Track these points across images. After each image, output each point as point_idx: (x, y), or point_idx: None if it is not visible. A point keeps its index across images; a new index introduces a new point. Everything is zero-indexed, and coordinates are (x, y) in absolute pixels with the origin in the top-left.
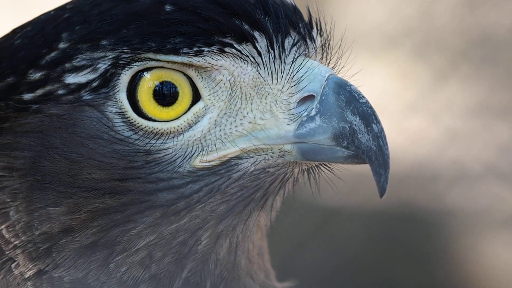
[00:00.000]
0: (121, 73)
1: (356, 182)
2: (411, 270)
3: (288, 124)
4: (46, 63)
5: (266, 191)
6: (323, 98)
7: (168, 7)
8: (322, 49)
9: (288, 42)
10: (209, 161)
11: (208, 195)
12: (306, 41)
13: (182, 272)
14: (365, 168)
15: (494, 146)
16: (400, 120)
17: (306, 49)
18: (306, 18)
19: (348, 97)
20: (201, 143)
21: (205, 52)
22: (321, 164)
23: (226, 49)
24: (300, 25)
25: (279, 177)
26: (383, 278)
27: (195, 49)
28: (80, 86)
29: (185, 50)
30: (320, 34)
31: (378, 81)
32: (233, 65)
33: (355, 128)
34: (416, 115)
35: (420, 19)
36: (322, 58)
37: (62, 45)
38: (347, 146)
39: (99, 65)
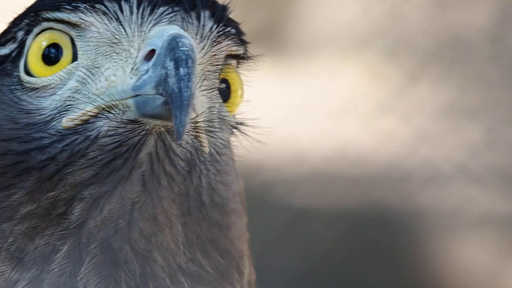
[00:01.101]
0: (27, 38)
1: (326, 183)
2: (381, 271)
3: (130, 79)
4: None
5: (125, 158)
6: (160, 51)
7: None
8: (203, 28)
9: (161, 9)
10: (73, 120)
11: (71, 157)
12: (181, 14)
13: (63, 246)
14: (335, 169)
15: (465, 147)
16: (370, 120)
17: (179, 20)
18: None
19: (173, 46)
20: (70, 102)
21: (80, 8)
22: (167, 130)
23: (97, 6)
24: (180, 1)
25: (132, 140)
26: (353, 279)
27: (73, 4)
28: (5, 57)
29: (65, 6)
30: (210, 16)
31: (349, 82)
32: (99, 22)
33: (168, 73)
34: (387, 115)
35: (391, 20)
36: (196, 34)
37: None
38: (161, 93)
39: (18, 34)
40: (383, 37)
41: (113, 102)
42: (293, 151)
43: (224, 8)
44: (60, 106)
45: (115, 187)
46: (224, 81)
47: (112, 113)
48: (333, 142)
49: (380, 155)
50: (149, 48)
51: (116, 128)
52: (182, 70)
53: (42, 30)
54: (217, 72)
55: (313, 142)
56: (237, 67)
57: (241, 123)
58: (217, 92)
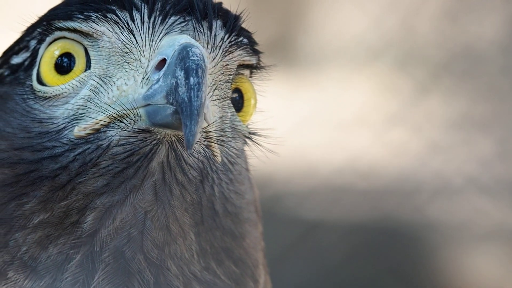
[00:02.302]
0: (40, 47)
1: (337, 195)
2: (391, 283)
3: (141, 88)
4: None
5: (137, 167)
6: (171, 60)
7: None
8: (215, 38)
9: (173, 19)
10: (85, 129)
11: (83, 166)
12: (193, 24)
13: (76, 254)
14: (346, 181)
15: (475, 159)
16: (381, 132)
17: (190, 29)
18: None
19: (184, 55)
20: (82, 111)
21: (92, 17)
22: (178, 140)
23: (108, 15)
24: (192, 10)
25: (144, 149)
26: None
27: (85, 14)
28: (18, 66)
29: (78, 15)
30: (222, 26)
31: (360, 94)
32: (111, 31)
33: (178, 82)
34: (398, 127)
35: (402, 32)
36: (208, 44)
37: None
38: (172, 102)
39: (31, 43)
40: (394, 49)
41: (124, 112)
42: (304, 163)
43: (237, 17)
44: (73, 115)
45: (127, 196)
46: (237, 90)
47: (124, 123)
48: (344, 154)
49: (391, 167)
50: (160, 58)
51: (127, 137)
52: (192, 80)
53: (55, 39)
54: (229, 82)
55: (323, 154)
56: (250, 77)
57: (254, 133)
58: (229, 101)
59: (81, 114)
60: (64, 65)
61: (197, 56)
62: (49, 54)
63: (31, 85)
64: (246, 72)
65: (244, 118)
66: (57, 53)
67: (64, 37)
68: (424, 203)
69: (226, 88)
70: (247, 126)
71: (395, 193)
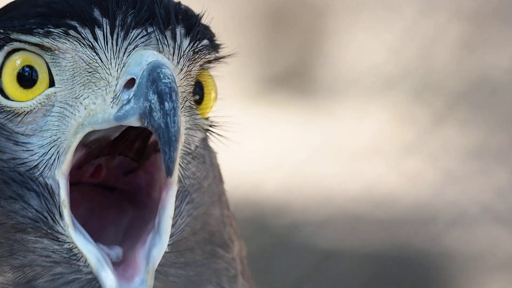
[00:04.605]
0: None
1: (353, 224)
2: None
3: (111, 108)
4: None
5: None
6: (140, 80)
7: None
8: (179, 50)
9: (135, 32)
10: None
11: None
12: (156, 36)
13: None
14: (362, 210)
15: (492, 189)
16: (397, 162)
17: (154, 43)
18: (167, 17)
19: (155, 77)
20: (55, 140)
21: (53, 33)
22: None
23: (70, 32)
24: (153, 20)
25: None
26: None
27: (46, 29)
28: None
29: (38, 30)
30: (185, 34)
31: (376, 123)
32: (74, 49)
33: (152, 106)
34: (414, 157)
35: (418, 61)
36: (173, 54)
37: None
38: (147, 126)
39: None
40: (410, 78)
41: (76, 255)
42: (320, 192)
43: (197, 20)
44: (47, 146)
45: None
46: (197, 83)
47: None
48: (360, 183)
49: (407, 196)
50: (128, 77)
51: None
52: (167, 105)
53: (15, 50)
54: (192, 84)
55: (339, 183)
56: (209, 67)
57: (214, 125)
58: (193, 104)
59: (55, 144)
60: (26, 75)
61: (168, 78)
62: (10, 65)
63: None
64: (207, 65)
65: (204, 111)
66: (19, 62)
67: (24, 49)
68: (440, 232)
69: (190, 91)
70: (207, 119)
71: (411, 222)
